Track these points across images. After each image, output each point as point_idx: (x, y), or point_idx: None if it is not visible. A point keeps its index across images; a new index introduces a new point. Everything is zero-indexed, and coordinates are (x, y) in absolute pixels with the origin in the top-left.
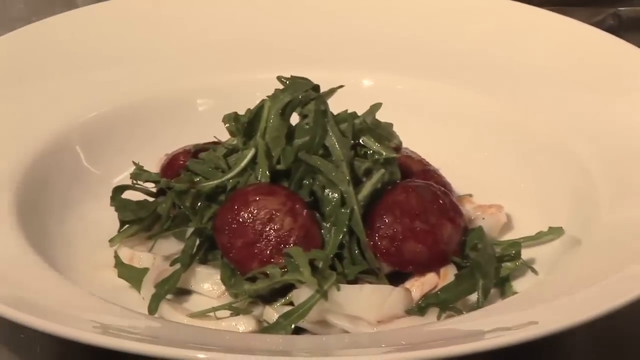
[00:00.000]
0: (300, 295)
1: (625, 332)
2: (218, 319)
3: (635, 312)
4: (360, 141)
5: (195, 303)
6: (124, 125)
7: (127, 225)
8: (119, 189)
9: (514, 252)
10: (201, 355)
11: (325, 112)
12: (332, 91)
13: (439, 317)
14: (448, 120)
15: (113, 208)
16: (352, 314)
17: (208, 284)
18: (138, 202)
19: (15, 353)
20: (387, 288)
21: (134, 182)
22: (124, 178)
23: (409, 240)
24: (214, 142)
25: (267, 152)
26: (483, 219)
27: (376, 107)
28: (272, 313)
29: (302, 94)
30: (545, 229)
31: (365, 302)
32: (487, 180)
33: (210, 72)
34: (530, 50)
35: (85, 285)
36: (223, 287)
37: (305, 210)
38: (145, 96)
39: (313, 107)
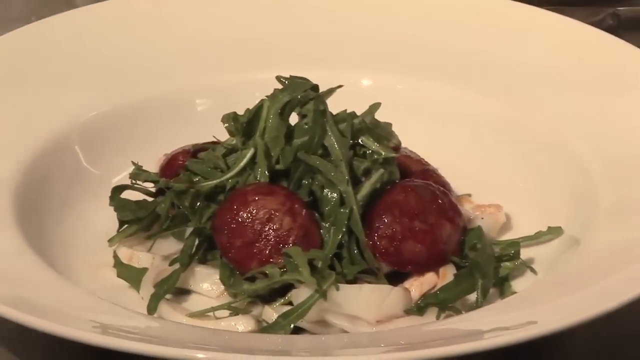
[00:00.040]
0: (300, 295)
1: (625, 331)
2: (217, 318)
3: (634, 312)
4: (359, 141)
5: (194, 303)
6: (123, 125)
7: (126, 225)
8: (118, 189)
9: (512, 251)
10: (200, 355)
11: (324, 112)
12: (331, 91)
13: (438, 317)
14: (447, 120)
15: (112, 208)
16: (351, 314)
17: (207, 283)
18: (137, 202)
19: (14, 353)
20: (386, 288)
21: (133, 182)
22: (123, 178)
23: (407, 240)
24: (213, 142)
25: (266, 151)
26: (482, 218)
27: (375, 107)
28: (271, 313)
29: (301, 94)
30: (544, 229)
31: (364, 301)
32: (486, 180)
33: (209, 72)
34: (529, 50)
35: (84, 285)
36: (222, 287)
37: (304, 210)
38: (145, 96)
39: (312, 107)
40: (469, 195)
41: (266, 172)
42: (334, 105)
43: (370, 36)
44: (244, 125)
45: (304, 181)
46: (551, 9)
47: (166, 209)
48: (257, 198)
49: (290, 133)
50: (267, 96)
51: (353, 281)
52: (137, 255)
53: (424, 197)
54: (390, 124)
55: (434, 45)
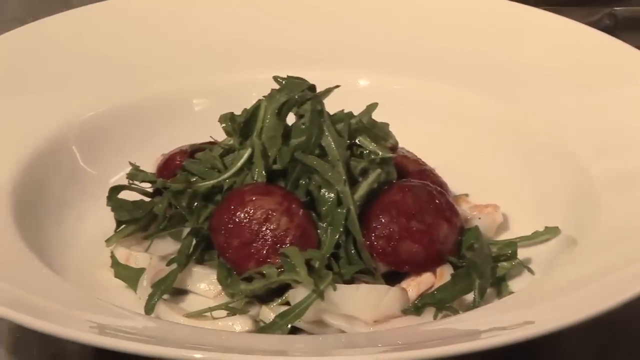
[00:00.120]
0: (297, 295)
1: (622, 331)
2: (215, 319)
3: (632, 312)
4: (357, 141)
5: (191, 303)
6: (120, 125)
7: (123, 226)
8: (116, 189)
9: (510, 251)
10: (198, 355)
11: (321, 112)
12: (328, 91)
13: (435, 317)
14: (444, 120)
15: (109, 208)
16: (348, 314)
17: (204, 284)
18: (134, 202)
19: (13, 353)
20: (383, 288)
21: (130, 182)
22: (120, 178)
23: (405, 240)
24: (210, 142)
25: (263, 152)
26: (479, 218)
27: (372, 107)
28: (268, 313)
29: (298, 94)
30: (541, 229)
31: (361, 302)
32: (483, 180)
33: (207, 72)
34: (527, 51)
35: (81, 286)
36: (219, 287)
37: (301, 210)
38: (142, 96)
39: (309, 107)
40: (466, 195)
41: (263, 172)
42: (331, 105)
43: (368, 36)
44: (241, 126)
45: (301, 181)
46: (548, 9)
47: (163, 209)
48: (254, 198)
49: (287, 133)
50: (264, 96)
51: (350, 281)
52: (134, 256)
53: (421, 197)
54: (387, 124)
55: (431, 45)
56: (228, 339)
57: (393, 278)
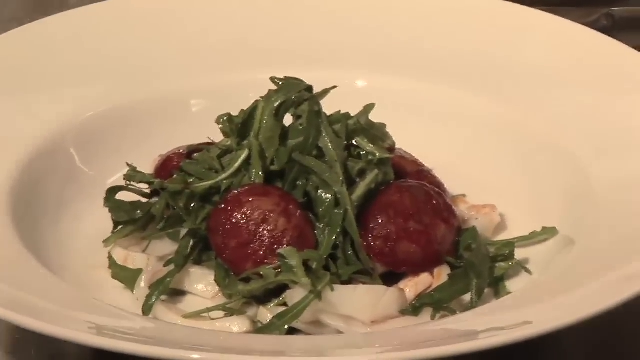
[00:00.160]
0: (294, 295)
1: (620, 331)
2: (212, 319)
3: (630, 312)
4: (354, 142)
5: (189, 304)
6: (118, 126)
7: (121, 226)
8: (113, 190)
9: (507, 252)
10: (196, 356)
11: (319, 112)
12: (325, 92)
13: (433, 317)
14: (442, 121)
15: (107, 209)
16: (346, 315)
17: (202, 284)
18: (132, 203)
19: (11, 354)
20: (381, 288)
21: (128, 183)
22: (118, 179)
23: (402, 240)
24: (207, 143)
25: (261, 152)
26: (477, 219)
27: (370, 107)
28: (266, 314)
29: (295, 95)
30: (539, 229)
31: (359, 302)
32: (481, 181)
33: (204, 73)
34: (524, 51)
35: (79, 286)
36: (217, 288)
37: (299, 211)
38: (140, 97)
39: (307, 108)
40: (464, 195)
41: (261, 173)
42: (329, 106)
43: (365, 37)
44: (239, 126)
45: (298, 182)
46: (545, 10)
47: (161, 210)
48: (252, 199)
49: (285, 134)
50: (261, 97)
51: (348, 282)
52: (132, 256)
53: (418, 198)
54: (384, 125)
55: (429, 45)
56: (226, 340)
57: (391, 278)
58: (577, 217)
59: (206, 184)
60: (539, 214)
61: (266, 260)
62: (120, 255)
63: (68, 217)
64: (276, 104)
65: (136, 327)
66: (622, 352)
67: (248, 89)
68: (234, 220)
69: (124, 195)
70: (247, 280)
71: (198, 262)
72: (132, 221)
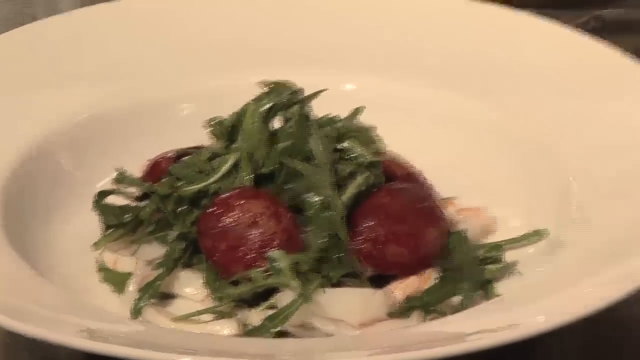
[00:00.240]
0: (284, 298)
1: (609, 333)
2: (202, 322)
3: (619, 313)
4: (344, 145)
5: (179, 307)
6: (107, 130)
7: (110, 230)
8: (102, 194)
9: (497, 254)
10: (186, 358)
11: (308, 115)
12: (315, 94)
13: (422, 320)
14: (431, 123)
15: (96, 212)
16: (335, 317)
17: (192, 287)
18: (121, 207)
19: (3, 358)
20: (369, 291)
21: (117, 186)
22: (107, 183)
23: (392, 243)
24: (196, 147)
25: (250, 156)
26: (466, 221)
27: (359, 110)
28: (256, 316)
29: (285, 98)
30: (529, 231)
31: (348, 305)
32: (471, 183)
33: (194, 77)
34: (515, 55)
35: (68, 290)
36: (207, 291)
37: (288, 214)
38: (129, 101)
39: (296, 111)
40: (454, 198)
41: (250, 176)
42: (318, 109)
43: (353, 40)
44: (228, 130)
45: (288, 185)
46: (536, 12)
47: (150, 213)
48: (241, 202)
49: (274, 137)
50: (251, 100)
51: (337, 284)
52: (121, 260)
53: (408, 201)
54: (374, 127)
55: (420, 49)
56: (215, 343)
57: (379, 281)
58: (568, 219)
59: (195, 187)
60: (529, 216)
61: (256, 263)
62: (110, 258)
63: (57, 221)
64: (265, 107)
65: (126, 330)
66: (611, 353)
67: (237, 92)
68: (223, 224)
69: (113, 199)
70: (236, 283)
71: (187, 266)
72: (121, 225)
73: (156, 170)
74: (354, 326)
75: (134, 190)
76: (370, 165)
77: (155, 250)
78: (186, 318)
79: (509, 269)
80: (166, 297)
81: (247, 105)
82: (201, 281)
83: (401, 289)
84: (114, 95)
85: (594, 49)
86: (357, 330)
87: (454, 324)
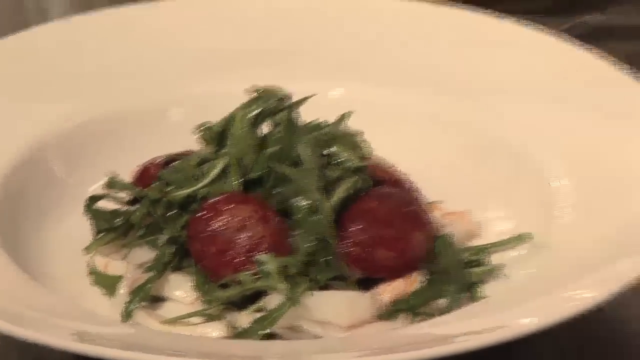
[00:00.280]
0: (272, 301)
1: (594, 334)
2: (192, 325)
3: (604, 314)
4: (331, 150)
5: (169, 310)
6: (98, 136)
7: (101, 234)
8: (93, 199)
9: (482, 257)
10: None
11: (296, 121)
12: (302, 100)
13: (408, 322)
14: (417, 128)
15: (88, 217)
16: (323, 320)
17: (181, 291)
18: (112, 211)
19: None
20: (357, 294)
21: (108, 191)
22: (98, 187)
23: (379, 247)
24: (186, 152)
25: (238, 161)
26: (452, 225)
27: (346, 115)
28: (244, 319)
29: (273, 103)
30: (514, 235)
31: (336, 308)
32: (456, 187)
33: (183, 83)
34: (499, 60)
35: (60, 293)
36: (196, 294)
37: (276, 218)
38: (119, 107)
39: (284, 117)
40: (440, 202)
41: (239, 180)
42: (306, 115)
43: (342, 47)
44: (217, 135)
45: (276, 189)
46: (522, 17)
47: (141, 217)
48: (229, 207)
49: (262, 142)
50: (239, 106)
51: (325, 287)
52: (112, 264)
53: (395, 205)
54: (361, 132)
55: (405, 55)
56: (205, 345)
57: (367, 284)
58: (553, 222)
59: (185, 191)
60: (515, 219)
61: (244, 267)
62: (101, 262)
63: (49, 225)
64: (254, 113)
65: (117, 332)
66: (596, 353)
67: (226, 98)
68: (213, 228)
69: (104, 204)
70: (225, 286)
71: (177, 269)
72: (112, 229)
73: (146, 175)
74: (341, 328)
75: (124, 195)
76: (358, 170)
77: (145, 254)
78: (176, 320)
79: (494, 272)
80: (156, 300)
81: (235, 111)
82: (191, 284)
83: (388, 291)
84: (105, 102)
85: (577, 56)
86: (345, 333)
87: (440, 326)
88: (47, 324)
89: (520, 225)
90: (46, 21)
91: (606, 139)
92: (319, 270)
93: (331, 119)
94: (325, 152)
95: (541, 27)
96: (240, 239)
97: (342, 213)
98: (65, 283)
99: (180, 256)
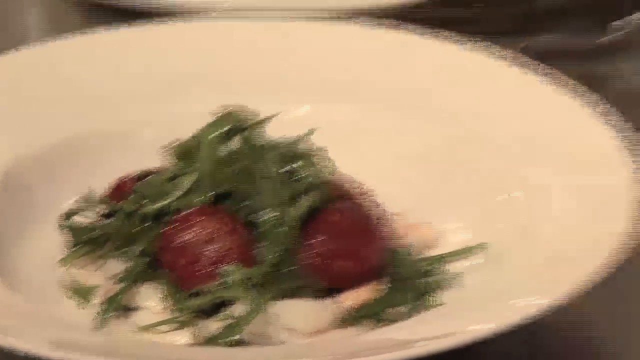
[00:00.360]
0: (239, 309)
1: (546, 339)
2: (162, 332)
3: (556, 320)
4: (296, 165)
5: (141, 318)
6: (74, 153)
7: (76, 247)
8: (69, 213)
9: (439, 266)
10: None
11: (262, 138)
12: (269, 118)
13: (370, 328)
14: (379, 144)
15: (63, 230)
16: (288, 327)
17: (153, 300)
18: (87, 225)
19: None
20: (321, 301)
21: (84, 205)
22: (73, 202)
23: (340, 258)
24: (159, 168)
25: (208, 175)
26: (411, 236)
27: (310, 132)
28: (213, 326)
29: (240, 121)
30: (471, 245)
31: (300, 314)
32: (417, 200)
33: (155, 104)
34: (450, 81)
35: (36, 302)
36: (167, 303)
37: (243, 231)
38: (93, 126)
39: (251, 133)
40: (400, 214)
41: (208, 194)
42: (273, 131)
43: (306, 68)
44: (188, 151)
45: (243, 203)
46: (477, 37)
47: (115, 230)
48: (199, 219)
49: (230, 158)
50: (209, 123)
51: (290, 296)
52: (87, 275)
53: (355, 218)
54: (324, 148)
55: (366, 77)
56: (174, 352)
57: (331, 292)
58: (511, 233)
59: (157, 205)
60: (472, 230)
61: (213, 277)
62: (76, 274)
63: (24, 242)
64: (222, 130)
65: (89, 340)
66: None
67: (196, 118)
68: (183, 240)
69: (79, 218)
70: (195, 295)
71: (149, 279)
72: (86, 241)
73: (121, 189)
74: (306, 334)
75: (99, 209)
76: (320, 184)
77: (119, 265)
78: (147, 329)
79: (451, 280)
80: (129, 309)
81: (205, 129)
82: (162, 294)
83: (351, 299)
84: (79, 122)
85: (521, 76)
86: (309, 339)
87: (399, 332)
88: (21, 331)
89: (477, 235)
90: (24, 44)
91: (562, 153)
92: (284, 280)
93: (296, 135)
94: (290, 167)
95: (495, 47)
96: (208, 250)
97: (306, 226)
98: (41, 294)
99: (153, 267)
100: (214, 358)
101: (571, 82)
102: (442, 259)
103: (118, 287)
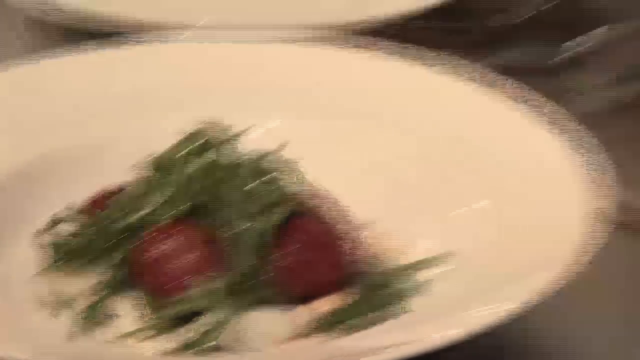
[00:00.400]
0: (214, 318)
1: (514, 343)
2: (139, 341)
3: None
4: (268, 177)
5: (117, 328)
6: (52, 169)
7: (55, 258)
8: (48, 226)
9: (409, 274)
10: None
11: (235, 151)
12: (243, 131)
13: (341, 336)
14: (349, 156)
15: (42, 243)
16: (262, 334)
17: (129, 310)
18: (66, 238)
19: None
20: (294, 309)
21: (61, 219)
22: (50, 217)
23: (312, 266)
24: (134, 182)
25: (181, 189)
26: (382, 244)
27: (282, 145)
28: (189, 335)
29: (215, 135)
30: (440, 253)
31: (274, 322)
32: (388, 210)
33: (132, 121)
34: (419, 98)
35: (15, 315)
36: (144, 312)
37: (214, 242)
38: (68, 143)
39: (224, 147)
40: (371, 223)
41: (181, 208)
42: (244, 146)
43: (277, 83)
44: (161, 166)
45: (217, 214)
46: (451, 52)
47: (92, 242)
48: (174, 231)
49: (205, 171)
50: (184, 137)
51: (263, 304)
52: (65, 287)
53: (326, 228)
54: (294, 161)
55: (335, 91)
56: None
57: (304, 299)
58: (476, 241)
59: (133, 217)
60: (442, 239)
61: (188, 287)
62: (54, 285)
63: (3, 253)
64: (197, 144)
65: (69, 351)
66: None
67: (171, 133)
68: (158, 251)
69: (56, 232)
70: (171, 304)
71: (127, 289)
72: (66, 254)
73: (98, 203)
74: (280, 341)
75: (76, 223)
76: (292, 196)
77: (95, 277)
78: (124, 338)
79: (420, 288)
80: (106, 319)
81: (179, 143)
82: (138, 304)
83: (325, 306)
84: (54, 139)
85: (486, 94)
86: (283, 345)
87: (370, 338)
88: (2, 339)
89: (446, 243)
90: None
91: (533, 165)
92: (256, 289)
93: (269, 148)
94: (260, 180)
95: (459, 63)
96: (183, 261)
97: (278, 236)
98: (18, 306)
99: (130, 277)
100: None
101: (535, 96)
102: (413, 266)
103: (94, 297)
